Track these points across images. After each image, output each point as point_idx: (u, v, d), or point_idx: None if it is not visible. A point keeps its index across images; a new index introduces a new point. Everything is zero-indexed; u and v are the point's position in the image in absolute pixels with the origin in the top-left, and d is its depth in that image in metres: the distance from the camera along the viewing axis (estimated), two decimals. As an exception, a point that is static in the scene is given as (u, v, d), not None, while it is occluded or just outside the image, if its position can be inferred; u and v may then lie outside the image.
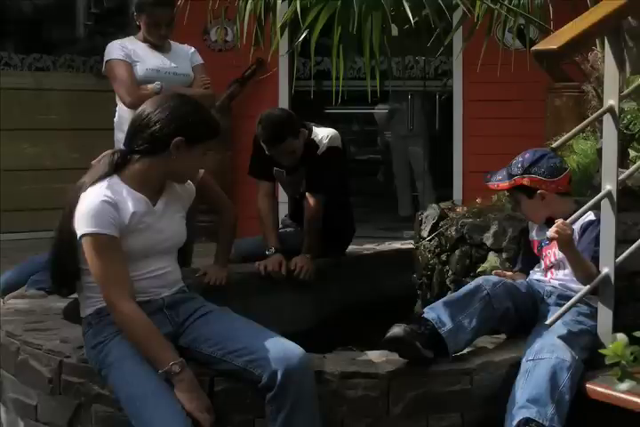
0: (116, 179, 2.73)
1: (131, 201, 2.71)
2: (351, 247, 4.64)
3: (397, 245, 4.91)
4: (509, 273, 3.16)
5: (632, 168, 2.98)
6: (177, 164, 2.74)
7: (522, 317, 2.96)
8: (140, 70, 4.36)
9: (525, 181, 3.07)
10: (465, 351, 2.84)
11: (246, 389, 2.64)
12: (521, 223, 3.35)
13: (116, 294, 2.62)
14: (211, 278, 3.77)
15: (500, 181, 3.15)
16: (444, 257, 3.63)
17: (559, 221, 2.78)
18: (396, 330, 2.70)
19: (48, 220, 3.03)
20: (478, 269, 3.43)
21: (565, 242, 2.80)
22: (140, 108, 2.79)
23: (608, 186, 2.82)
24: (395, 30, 3.91)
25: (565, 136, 2.87)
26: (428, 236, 3.71)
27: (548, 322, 2.78)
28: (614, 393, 2.57)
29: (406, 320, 2.79)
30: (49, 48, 7.99)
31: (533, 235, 3.18)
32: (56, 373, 2.87)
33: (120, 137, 3.90)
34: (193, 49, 4.59)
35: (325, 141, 4.21)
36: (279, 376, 2.51)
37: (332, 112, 8.53)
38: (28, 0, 8.25)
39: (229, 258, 3.92)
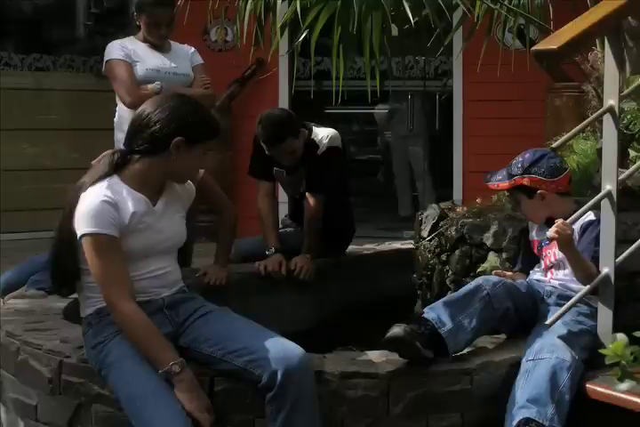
0: (116, 179, 2.73)
1: (131, 201, 2.71)
2: (351, 247, 4.64)
3: (397, 245, 4.91)
4: (509, 273, 3.16)
5: (632, 168, 2.98)
6: (177, 164, 2.74)
7: (522, 317, 2.96)
8: (140, 70, 4.36)
9: (525, 181, 3.07)
10: (465, 351, 2.84)
11: (246, 389, 2.63)
12: (521, 223, 3.35)
13: (116, 294, 2.62)
14: (211, 278, 3.77)
15: (500, 181, 3.15)
16: (444, 257, 3.62)
17: (559, 221, 2.78)
18: (396, 330, 2.70)
19: (48, 220, 3.03)
20: (478, 269, 3.43)
21: (565, 242, 2.80)
22: (139, 108, 2.79)
23: (608, 186, 2.81)
24: (395, 30, 3.91)
25: (565, 136, 2.87)
26: (428, 236, 3.71)
27: (548, 322, 2.78)
28: (614, 393, 2.57)
29: (406, 320, 2.79)
30: (49, 48, 7.99)
31: (533, 235, 3.18)
32: (56, 373, 2.87)
33: (120, 137, 3.90)
34: (193, 49, 4.59)
35: (325, 141, 4.21)
36: (279, 376, 2.51)
37: (332, 112, 8.52)
38: (27, 0, 8.25)
39: (229, 258, 3.92)
